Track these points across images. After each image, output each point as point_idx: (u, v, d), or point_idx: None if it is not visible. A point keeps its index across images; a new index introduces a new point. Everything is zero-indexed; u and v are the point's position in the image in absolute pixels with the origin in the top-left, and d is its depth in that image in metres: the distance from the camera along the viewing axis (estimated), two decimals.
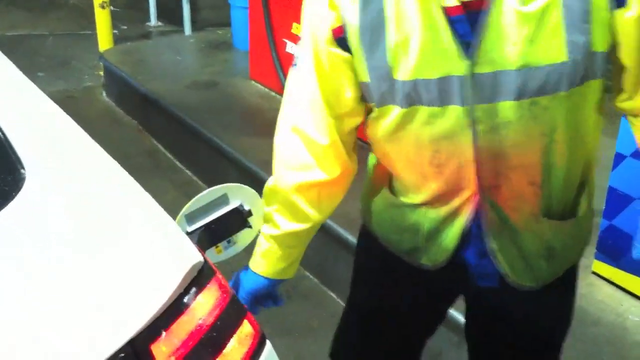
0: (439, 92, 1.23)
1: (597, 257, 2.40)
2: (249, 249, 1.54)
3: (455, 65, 1.21)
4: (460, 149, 1.28)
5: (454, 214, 1.37)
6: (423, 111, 1.26)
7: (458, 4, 1.20)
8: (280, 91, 3.93)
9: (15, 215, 1.13)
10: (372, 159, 1.52)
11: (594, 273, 2.45)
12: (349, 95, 1.34)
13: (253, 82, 4.30)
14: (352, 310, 1.68)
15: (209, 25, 5.57)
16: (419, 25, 1.21)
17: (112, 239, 1.14)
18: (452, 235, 1.39)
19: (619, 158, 2.15)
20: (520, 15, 1.18)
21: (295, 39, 3.75)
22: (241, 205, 1.52)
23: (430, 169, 1.32)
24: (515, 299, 1.44)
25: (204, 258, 1.15)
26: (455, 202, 1.35)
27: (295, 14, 3.79)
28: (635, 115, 1.34)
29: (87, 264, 1.07)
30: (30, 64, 5.01)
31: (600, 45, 1.21)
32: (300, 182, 1.41)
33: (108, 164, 1.36)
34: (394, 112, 1.29)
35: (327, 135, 1.38)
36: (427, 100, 1.24)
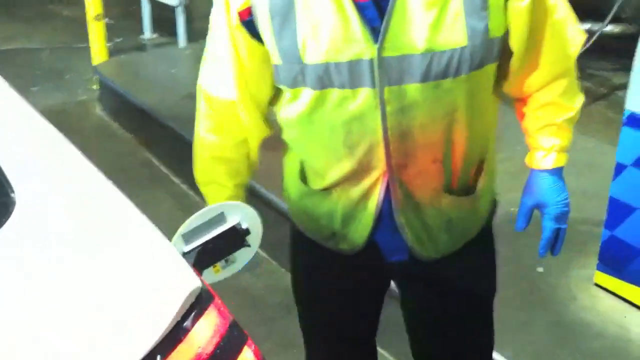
0: (350, 75, 1.28)
1: (599, 268, 2.37)
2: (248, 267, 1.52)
3: (364, 49, 1.26)
4: (370, 130, 1.33)
5: (366, 196, 1.43)
6: (335, 93, 1.31)
7: None
8: None
9: (4, 243, 1.09)
10: (284, 151, 1.57)
11: (597, 285, 2.42)
12: (264, 74, 1.40)
13: None
14: (300, 304, 1.73)
15: (204, 36, 5.51)
16: (329, 10, 1.27)
17: (105, 263, 1.11)
18: (366, 217, 1.45)
19: (619, 168, 2.13)
20: (425, 1, 1.24)
21: None
22: (239, 224, 1.49)
23: (343, 149, 1.37)
24: (426, 269, 1.51)
25: (202, 282, 1.12)
26: (366, 183, 1.41)
27: None
28: (518, 99, 1.49)
29: (78, 292, 1.04)
30: (24, 78, 4.97)
31: (496, 31, 1.29)
32: (212, 154, 1.56)
33: (101, 184, 1.33)
34: (307, 94, 1.34)
35: (236, 91, 1.43)
36: (338, 82, 1.29)
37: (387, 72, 1.27)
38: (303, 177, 1.51)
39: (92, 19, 4.84)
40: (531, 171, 1.53)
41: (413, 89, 1.29)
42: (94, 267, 1.10)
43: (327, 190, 1.46)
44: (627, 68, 2.06)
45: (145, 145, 4.28)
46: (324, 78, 1.30)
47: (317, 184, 1.48)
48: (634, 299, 2.29)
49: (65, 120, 4.60)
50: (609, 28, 4.15)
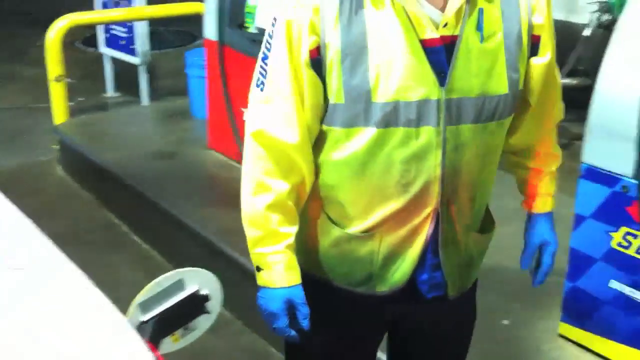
0: (417, 114, 1.36)
1: (564, 320, 2.38)
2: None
3: (432, 90, 1.36)
4: (429, 167, 1.40)
5: (413, 234, 1.46)
6: (399, 132, 1.37)
7: (434, 37, 1.35)
8: (239, 160, 3.90)
9: None
10: (309, 199, 1.54)
11: (561, 336, 2.42)
12: (319, 113, 1.42)
13: (212, 151, 4.26)
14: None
15: (167, 95, 5.55)
16: (401, 52, 1.34)
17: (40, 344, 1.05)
18: (411, 255, 1.47)
19: (579, 219, 2.15)
20: (482, 51, 1.38)
21: None
22: (198, 290, 1.46)
23: (395, 188, 1.41)
24: (441, 310, 1.57)
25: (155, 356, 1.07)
26: (415, 221, 1.45)
27: None
28: (514, 152, 1.64)
29: None
30: None
31: (521, 84, 1.46)
32: (270, 202, 1.45)
33: (49, 252, 1.28)
34: (367, 133, 1.38)
35: (298, 133, 1.42)
36: (404, 121, 1.36)
37: (449, 113, 1.37)
38: (337, 223, 1.50)
39: (53, 80, 4.82)
40: (533, 216, 1.71)
41: (466, 129, 1.40)
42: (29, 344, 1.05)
43: (368, 232, 1.47)
44: (585, 119, 2.10)
45: (107, 206, 4.21)
46: (391, 116, 1.36)
47: (354, 228, 1.48)
48: (599, 349, 2.30)
49: (24, 182, 4.52)
50: (567, 80, 4.26)
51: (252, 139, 1.45)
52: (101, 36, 5.55)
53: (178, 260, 3.41)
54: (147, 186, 3.89)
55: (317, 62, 1.37)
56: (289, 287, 1.48)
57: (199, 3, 4.56)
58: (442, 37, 1.36)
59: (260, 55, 1.44)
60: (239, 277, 2.77)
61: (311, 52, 1.36)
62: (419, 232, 1.45)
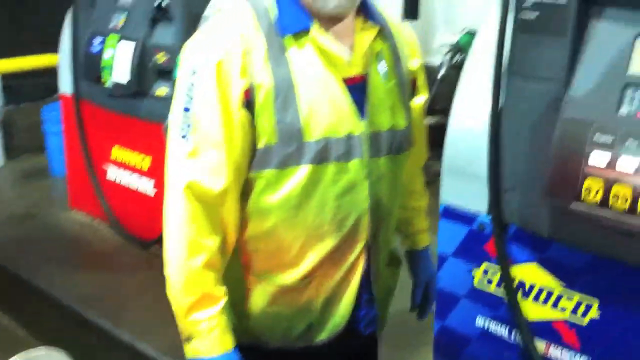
0: (346, 148, 1.42)
1: (436, 359, 2.39)
2: None
3: (356, 125, 1.44)
4: (360, 200, 1.46)
5: (349, 272, 1.48)
6: (331, 168, 1.42)
7: (352, 75, 1.45)
8: (103, 218, 3.73)
9: None
10: (232, 259, 1.48)
11: None
12: (248, 160, 1.40)
13: (74, 211, 4.05)
14: None
15: (25, 152, 5.27)
16: (326, 90, 1.41)
17: None
18: (349, 295, 1.50)
19: (442, 258, 2.18)
20: (386, 89, 1.50)
21: (117, 164, 3.60)
22: None
23: (330, 226, 1.44)
24: (371, 346, 1.67)
25: None
26: (350, 258, 1.48)
27: (114, 138, 3.67)
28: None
29: None
30: None
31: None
32: (205, 261, 1.39)
33: None
34: (301, 172, 1.39)
35: (230, 181, 1.38)
36: (335, 156, 1.42)
37: (370, 146, 1.46)
38: (270, 277, 1.47)
39: None
40: (418, 252, 1.82)
41: (383, 161, 1.50)
42: None
43: (304, 279, 1.46)
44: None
45: None
46: (323, 152, 1.40)
47: (289, 278, 1.46)
48: None
49: None
50: (426, 120, 4.40)
51: (183, 195, 1.37)
52: None
53: (42, 333, 3.19)
54: (4, 254, 3.64)
55: (248, 104, 1.37)
56: (225, 353, 1.41)
57: (53, 55, 4.38)
58: (355, 76, 1.45)
59: (179, 107, 1.39)
60: (110, 345, 2.62)
61: (246, 93, 1.36)
62: (354, 270, 1.49)
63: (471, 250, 2.01)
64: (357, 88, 1.46)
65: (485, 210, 1.88)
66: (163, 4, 3.25)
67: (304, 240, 1.44)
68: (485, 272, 1.99)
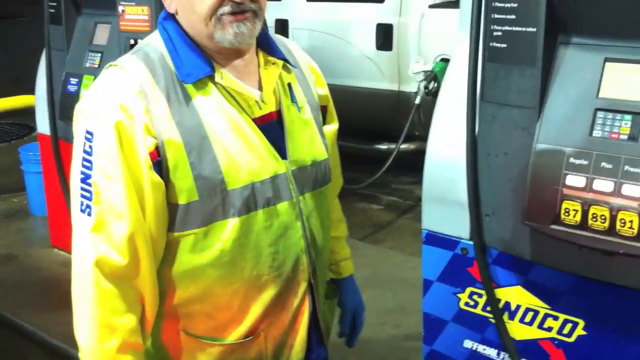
0: (274, 190, 1.35)
1: None
2: None
3: (278, 165, 1.36)
4: (295, 241, 1.39)
5: (296, 317, 1.41)
6: (260, 215, 1.32)
7: (263, 114, 1.37)
8: None
9: None
10: (162, 329, 1.39)
11: None
12: (165, 223, 1.30)
13: (55, 249, 4.02)
14: None
15: (3, 192, 5.22)
16: (239, 134, 1.31)
17: None
18: (299, 340, 1.43)
19: (427, 283, 2.20)
20: (302, 121, 1.43)
21: None
22: None
23: (269, 275, 1.35)
24: None
25: None
26: (295, 303, 1.40)
27: None
28: None
29: None
30: None
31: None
32: (119, 343, 1.27)
33: None
34: (229, 225, 1.29)
35: (142, 253, 1.28)
36: (263, 201, 1.33)
37: (296, 183, 1.39)
38: (211, 339, 1.37)
39: None
40: (343, 280, 1.75)
41: (309, 197, 1.43)
42: None
43: (250, 335, 1.36)
44: None
45: None
46: (250, 200, 1.32)
47: (234, 336, 1.36)
48: None
49: None
50: (405, 146, 4.46)
51: (90, 273, 1.25)
52: None
53: None
54: None
55: (157, 164, 1.26)
56: None
57: (31, 96, 4.37)
58: (270, 114, 1.39)
59: (77, 176, 1.27)
60: None
61: (151, 154, 1.25)
62: (301, 313, 1.43)
63: (455, 274, 2.04)
64: (273, 126, 1.38)
65: (467, 235, 1.91)
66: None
67: (244, 294, 1.35)
68: (471, 295, 2.01)
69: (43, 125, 3.84)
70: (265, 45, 1.42)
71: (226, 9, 1.27)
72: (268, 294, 1.36)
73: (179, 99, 1.29)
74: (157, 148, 1.26)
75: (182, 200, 1.29)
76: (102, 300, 1.27)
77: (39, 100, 3.88)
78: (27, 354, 3.29)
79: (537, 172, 1.59)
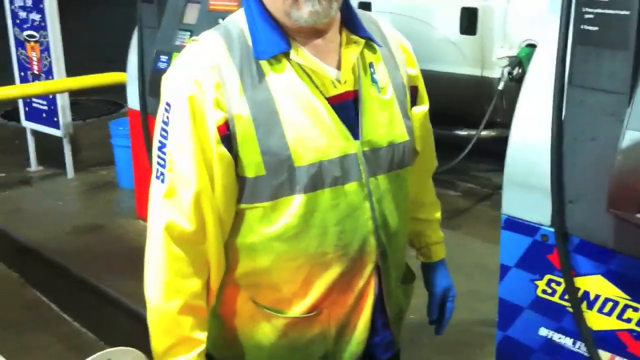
0: (342, 170, 1.34)
1: None
2: None
3: (349, 144, 1.35)
4: (363, 223, 1.37)
5: (361, 298, 1.40)
6: (327, 193, 1.32)
7: (339, 93, 1.36)
8: None
9: None
10: (231, 296, 1.42)
11: None
12: (234, 195, 1.34)
13: (140, 220, 4.18)
14: None
15: (93, 165, 5.45)
16: (311, 112, 1.32)
17: None
18: (363, 320, 1.41)
19: (504, 269, 2.19)
20: (381, 102, 1.41)
21: None
22: None
23: (335, 253, 1.35)
24: None
25: None
26: (360, 284, 1.39)
27: None
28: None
29: None
30: None
31: (414, 131, 1.52)
32: (182, 304, 1.34)
33: None
34: (296, 201, 1.31)
35: (208, 223, 1.32)
36: (331, 180, 1.33)
37: (368, 165, 1.37)
38: (276, 311, 1.39)
39: None
40: (432, 264, 1.74)
41: (383, 179, 1.40)
42: None
43: (314, 310, 1.37)
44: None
45: (32, 284, 4.06)
46: (317, 178, 1.31)
47: (297, 310, 1.38)
48: None
49: None
50: (486, 132, 4.39)
51: (160, 237, 1.31)
52: (22, 110, 5.45)
53: (110, 337, 3.30)
54: (74, 262, 3.78)
55: (226, 138, 1.30)
56: None
57: (120, 73, 4.55)
58: (346, 93, 1.37)
59: (156, 144, 1.34)
60: None
61: (219, 128, 1.29)
62: (365, 295, 1.41)
63: (534, 261, 2.02)
64: (349, 105, 1.37)
65: (548, 221, 1.89)
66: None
67: (309, 271, 1.35)
68: (549, 283, 1.99)
69: (133, 101, 3.99)
70: (350, 23, 1.41)
71: None
72: (332, 273, 1.37)
73: (252, 74, 1.31)
74: (226, 122, 1.29)
75: (249, 174, 1.31)
76: (169, 262, 1.32)
77: (130, 77, 4.03)
78: (111, 318, 3.44)
79: (625, 159, 1.56)
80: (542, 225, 1.93)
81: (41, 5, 4.95)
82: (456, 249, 3.50)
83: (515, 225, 2.04)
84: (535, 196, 1.93)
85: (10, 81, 5.39)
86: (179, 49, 3.53)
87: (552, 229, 1.87)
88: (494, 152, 4.61)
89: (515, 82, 3.96)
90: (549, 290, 1.99)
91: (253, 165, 1.31)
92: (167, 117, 1.32)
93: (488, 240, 3.47)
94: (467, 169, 4.80)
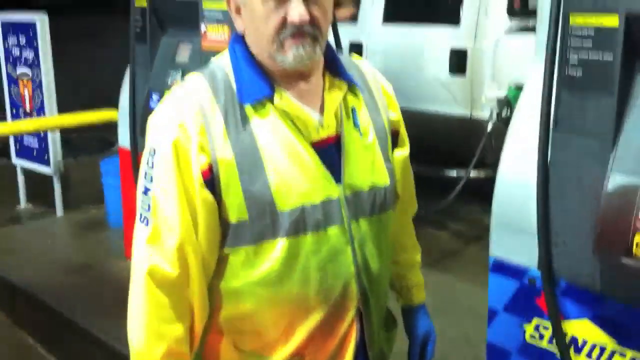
0: (324, 214, 1.34)
1: None
2: None
3: (332, 189, 1.36)
4: (345, 267, 1.37)
5: (343, 343, 1.39)
6: (309, 238, 1.32)
7: (321, 138, 1.37)
8: None
9: None
10: (213, 343, 1.42)
11: None
12: (217, 238, 1.34)
13: (129, 261, 4.14)
14: None
15: (83, 203, 5.43)
16: (295, 157, 1.33)
17: None
18: None
19: (492, 313, 2.17)
20: (363, 146, 1.42)
21: None
22: None
23: (317, 298, 1.35)
24: None
25: None
26: (342, 329, 1.39)
27: None
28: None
29: None
30: None
31: (396, 175, 1.53)
32: (165, 350, 1.33)
33: None
34: (278, 246, 1.31)
35: (192, 267, 1.32)
36: (313, 224, 1.33)
37: (350, 209, 1.38)
38: (258, 357, 1.39)
39: None
40: (414, 308, 1.72)
41: (364, 223, 1.41)
42: None
43: (295, 356, 1.38)
44: None
45: (20, 324, 4.00)
46: (299, 222, 1.32)
47: (279, 356, 1.38)
48: None
49: None
50: (475, 173, 4.40)
51: (144, 280, 1.31)
52: (13, 147, 5.45)
53: None
54: (62, 303, 3.74)
55: (210, 182, 1.30)
56: None
57: (112, 111, 4.56)
58: (328, 137, 1.38)
59: (140, 188, 1.35)
60: None
61: (203, 172, 1.30)
62: (347, 340, 1.41)
63: (522, 304, 2.00)
64: (331, 149, 1.38)
65: (535, 264, 1.88)
66: None
67: (291, 316, 1.36)
68: (537, 327, 1.97)
69: (124, 139, 3.99)
70: (333, 67, 1.43)
71: (287, 32, 1.30)
72: (315, 318, 1.36)
73: (236, 119, 1.32)
74: (210, 166, 1.30)
75: (233, 218, 1.31)
76: (152, 307, 1.32)
77: (121, 114, 4.03)
78: (95, 359, 3.39)
79: (610, 202, 1.56)
80: (529, 268, 1.92)
81: (35, 44, 4.99)
82: (447, 293, 3.48)
83: (503, 267, 2.03)
84: (523, 238, 1.92)
85: (1, 118, 5.40)
86: (171, 87, 3.55)
87: (539, 272, 1.86)
88: (485, 193, 4.63)
89: (504, 123, 3.98)
90: (537, 335, 1.97)
91: (236, 209, 1.31)
92: (152, 162, 1.33)
93: (478, 283, 3.45)
94: (458, 210, 4.80)
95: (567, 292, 1.82)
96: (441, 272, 3.78)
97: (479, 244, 4.24)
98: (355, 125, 1.42)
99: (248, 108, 1.33)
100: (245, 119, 1.32)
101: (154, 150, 1.33)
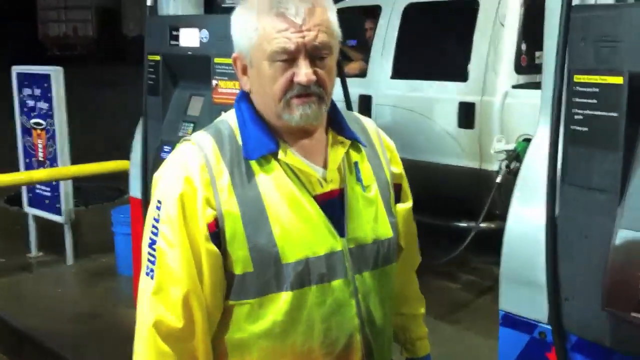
0: (328, 267, 1.36)
1: None
2: None
3: (335, 242, 1.38)
4: (349, 320, 1.39)
5: None
6: (313, 290, 1.34)
7: (324, 191, 1.40)
8: None
9: None
10: None
11: None
12: (222, 290, 1.35)
13: None
14: None
15: (93, 252, 5.44)
16: (299, 210, 1.35)
17: None
18: None
19: None
20: (366, 200, 1.45)
21: None
22: None
23: (321, 350, 1.36)
24: None
25: None
26: None
27: None
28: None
29: None
30: None
31: (399, 228, 1.55)
32: None
33: None
34: (282, 299, 1.33)
35: (197, 319, 1.34)
36: (317, 277, 1.35)
37: (353, 261, 1.40)
38: None
39: None
40: None
41: (368, 276, 1.42)
42: None
43: None
44: None
45: None
46: (303, 275, 1.34)
47: None
48: None
49: None
50: (485, 225, 4.40)
51: (149, 332, 1.33)
52: (25, 195, 5.49)
53: None
54: (70, 350, 3.73)
55: (215, 235, 1.33)
56: None
57: (124, 161, 4.61)
58: (332, 191, 1.42)
59: (146, 241, 1.37)
60: None
61: (209, 225, 1.33)
62: None
63: (533, 358, 1.99)
64: (335, 203, 1.41)
65: (545, 318, 1.87)
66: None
67: None
68: None
69: (135, 189, 4.03)
70: (336, 124, 1.47)
71: (294, 91, 1.34)
72: None
73: (241, 173, 1.36)
74: (216, 219, 1.33)
75: (237, 270, 1.34)
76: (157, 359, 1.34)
77: (133, 165, 4.08)
78: None
79: (618, 257, 1.57)
80: (539, 322, 1.91)
81: (49, 95, 5.08)
82: (457, 346, 3.45)
83: (513, 321, 2.02)
84: (532, 292, 1.92)
85: (15, 167, 5.46)
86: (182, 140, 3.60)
87: (549, 326, 1.85)
88: (495, 244, 4.62)
89: (513, 176, 4.00)
90: None
91: (241, 261, 1.33)
92: (158, 214, 1.36)
93: (489, 335, 3.42)
94: (468, 261, 4.78)
95: (577, 347, 1.81)
96: (451, 324, 3.75)
97: (490, 296, 4.21)
98: (358, 179, 1.45)
99: (253, 163, 1.37)
100: (250, 174, 1.36)
101: (160, 203, 1.36)
